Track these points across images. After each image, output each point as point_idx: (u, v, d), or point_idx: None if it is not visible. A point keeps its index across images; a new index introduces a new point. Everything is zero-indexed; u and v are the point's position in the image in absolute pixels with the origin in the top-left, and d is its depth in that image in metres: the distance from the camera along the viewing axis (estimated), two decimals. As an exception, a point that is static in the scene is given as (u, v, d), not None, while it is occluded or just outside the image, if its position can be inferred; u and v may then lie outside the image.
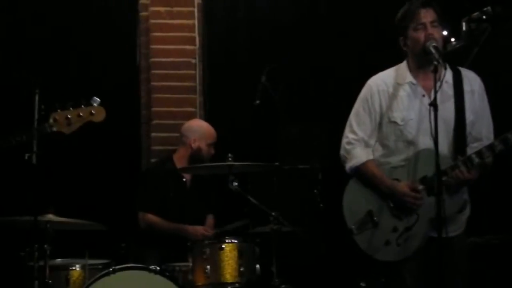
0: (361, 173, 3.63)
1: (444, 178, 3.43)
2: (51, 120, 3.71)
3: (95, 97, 3.75)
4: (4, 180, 4.86)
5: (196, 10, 5.59)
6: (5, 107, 5.16)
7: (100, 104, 3.75)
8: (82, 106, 3.74)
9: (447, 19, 3.67)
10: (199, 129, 4.94)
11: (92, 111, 3.74)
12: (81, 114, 3.73)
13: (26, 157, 3.69)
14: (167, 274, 4.12)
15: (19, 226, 4.06)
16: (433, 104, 3.29)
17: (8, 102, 5.17)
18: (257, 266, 4.26)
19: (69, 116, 3.72)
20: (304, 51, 5.60)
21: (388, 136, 3.63)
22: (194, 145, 4.89)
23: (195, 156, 4.87)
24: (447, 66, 3.60)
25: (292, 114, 5.33)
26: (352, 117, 3.72)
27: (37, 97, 3.74)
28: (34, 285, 3.89)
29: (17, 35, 5.41)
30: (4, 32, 5.38)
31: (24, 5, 5.43)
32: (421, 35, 3.53)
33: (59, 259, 4.25)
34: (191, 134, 4.92)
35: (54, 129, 3.72)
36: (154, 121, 5.53)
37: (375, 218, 3.56)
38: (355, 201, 3.62)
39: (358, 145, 3.67)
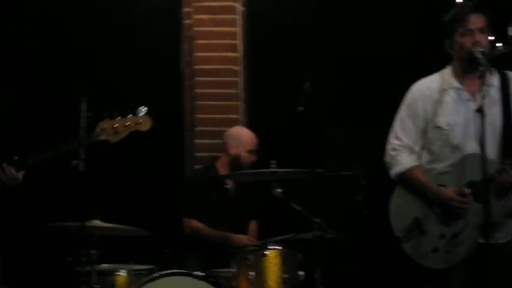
0: (406, 179, 3.60)
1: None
2: (98, 129, 3.76)
3: (141, 107, 3.79)
4: (52, 187, 4.95)
5: (239, 17, 5.61)
6: (53, 115, 5.26)
7: (147, 113, 3.78)
8: (129, 115, 3.78)
9: (494, 24, 3.61)
10: (237, 136, 4.98)
11: (139, 121, 3.78)
12: (127, 123, 3.75)
13: (73, 164, 3.75)
14: (212, 280, 4.14)
15: (67, 232, 4.12)
16: (480, 111, 3.24)
17: (56, 110, 5.26)
18: (301, 272, 4.25)
19: (116, 125, 3.73)
20: (348, 57, 5.57)
21: (434, 142, 3.60)
22: (232, 152, 4.93)
23: (235, 163, 4.91)
24: (494, 71, 3.55)
25: (335, 120, 5.31)
26: (396, 123, 3.70)
27: (84, 105, 3.80)
28: (81, 290, 3.95)
29: (63, 44, 5.50)
30: (51, 41, 5.48)
31: (67, 14, 5.52)
32: (467, 41, 3.49)
33: (105, 264, 4.29)
34: (230, 141, 4.97)
35: (102, 138, 3.75)
36: (198, 128, 5.55)
37: (422, 225, 3.52)
38: (402, 208, 3.58)
39: (403, 151, 3.64)
